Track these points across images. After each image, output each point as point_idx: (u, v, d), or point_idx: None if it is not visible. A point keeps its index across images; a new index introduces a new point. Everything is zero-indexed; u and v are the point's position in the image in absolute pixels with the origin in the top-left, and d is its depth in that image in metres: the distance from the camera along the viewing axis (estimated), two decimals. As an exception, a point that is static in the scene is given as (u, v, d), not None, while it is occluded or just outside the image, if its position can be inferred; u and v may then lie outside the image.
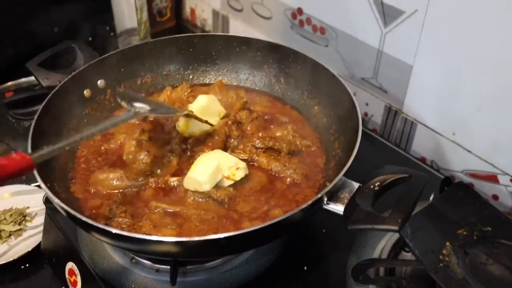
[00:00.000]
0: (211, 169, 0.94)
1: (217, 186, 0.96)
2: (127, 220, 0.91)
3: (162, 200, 0.95)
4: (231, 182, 0.97)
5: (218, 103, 1.14)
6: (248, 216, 0.92)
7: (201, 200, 0.95)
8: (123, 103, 1.02)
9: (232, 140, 1.08)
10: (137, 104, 1.00)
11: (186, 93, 1.21)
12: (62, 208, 0.81)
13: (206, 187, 0.94)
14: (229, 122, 1.09)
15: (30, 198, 1.19)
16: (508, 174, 1.11)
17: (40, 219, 1.14)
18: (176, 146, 1.05)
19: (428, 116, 1.23)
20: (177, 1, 1.80)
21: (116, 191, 0.97)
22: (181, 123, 1.08)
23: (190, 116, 1.06)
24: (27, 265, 1.06)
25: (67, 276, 0.99)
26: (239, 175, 0.98)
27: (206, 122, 1.07)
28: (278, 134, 1.09)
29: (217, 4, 1.69)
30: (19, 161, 0.72)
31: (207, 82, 1.29)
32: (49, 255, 1.05)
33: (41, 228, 1.09)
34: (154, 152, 1.01)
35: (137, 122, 1.15)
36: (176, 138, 1.06)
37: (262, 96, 1.25)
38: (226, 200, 0.94)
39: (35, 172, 0.85)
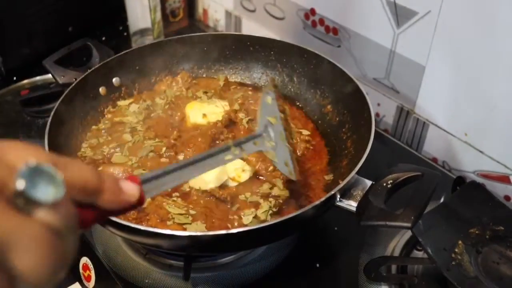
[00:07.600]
0: (217, 169, 0.95)
1: (221, 186, 0.97)
2: (133, 212, 0.92)
3: (168, 195, 0.96)
4: (235, 184, 0.99)
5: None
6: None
7: (204, 198, 0.96)
8: None
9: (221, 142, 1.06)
10: None
11: (187, 83, 1.22)
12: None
13: (211, 185, 0.96)
14: (219, 124, 1.07)
15: None
16: (520, 175, 1.11)
17: None
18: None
19: (440, 117, 1.23)
20: (190, 2, 1.81)
21: None
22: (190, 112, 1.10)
23: None
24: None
25: (81, 271, 1.00)
26: (244, 177, 0.99)
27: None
28: None
29: (230, 4, 1.70)
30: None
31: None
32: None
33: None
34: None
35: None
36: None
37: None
38: (228, 199, 0.95)
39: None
